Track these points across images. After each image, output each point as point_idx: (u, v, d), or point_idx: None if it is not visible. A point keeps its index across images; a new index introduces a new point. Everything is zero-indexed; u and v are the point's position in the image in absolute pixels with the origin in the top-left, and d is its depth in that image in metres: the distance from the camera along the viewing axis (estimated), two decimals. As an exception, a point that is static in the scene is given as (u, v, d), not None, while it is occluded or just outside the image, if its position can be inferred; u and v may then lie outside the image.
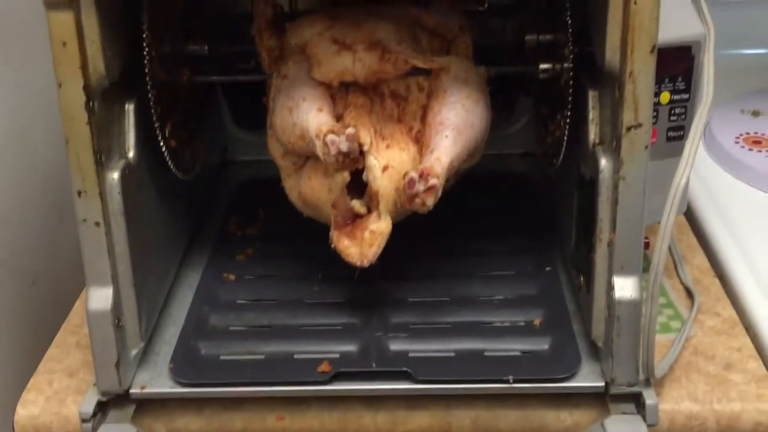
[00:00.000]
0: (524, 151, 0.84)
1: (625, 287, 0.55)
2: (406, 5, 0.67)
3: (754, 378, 0.61)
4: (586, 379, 0.58)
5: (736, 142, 0.85)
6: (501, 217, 0.75)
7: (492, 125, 0.64)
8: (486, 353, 0.61)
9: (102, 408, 0.59)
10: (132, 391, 0.60)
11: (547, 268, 0.69)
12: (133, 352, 0.61)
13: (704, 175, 0.82)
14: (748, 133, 0.86)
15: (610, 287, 0.55)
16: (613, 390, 0.57)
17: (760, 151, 0.83)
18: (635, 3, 0.50)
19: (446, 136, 0.59)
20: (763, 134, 0.85)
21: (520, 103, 0.82)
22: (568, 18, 0.58)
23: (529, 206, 0.77)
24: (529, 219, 0.75)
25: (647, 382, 0.57)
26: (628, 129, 0.52)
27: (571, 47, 0.59)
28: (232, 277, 0.70)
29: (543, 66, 0.65)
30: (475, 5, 0.73)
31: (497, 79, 0.66)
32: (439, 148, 0.59)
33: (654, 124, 0.60)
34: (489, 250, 0.72)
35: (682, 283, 0.70)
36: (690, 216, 0.78)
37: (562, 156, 0.63)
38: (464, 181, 0.66)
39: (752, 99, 0.91)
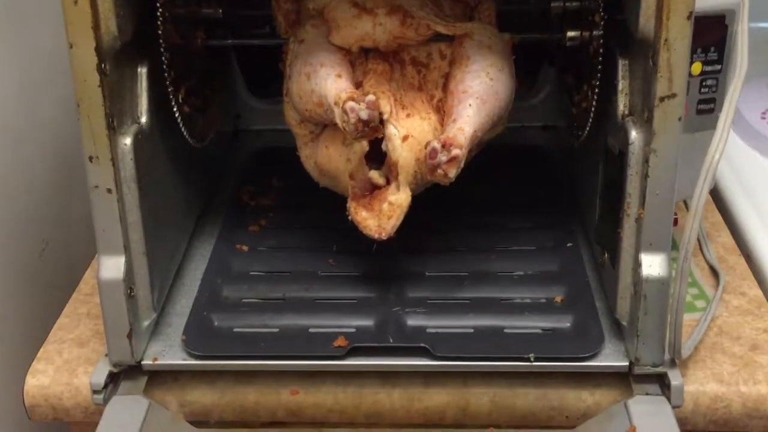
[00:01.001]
0: (545, 123, 0.82)
1: (653, 264, 0.53)
2: None
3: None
4: (609, 358, 0.57)
5: (763, 118, 0.82)
6: (521, 191, 0.74)
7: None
8: (506, 330, 0.59)
9: (113, 379, 0.58)
10: (144, 362, 0.59)
11: (569, 244, 0.67)
12: (146, 322, 0.59)
13: (729, 151, 0.79)
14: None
15: (638, 264, 0.54)
16: (637, 370, 0.56)
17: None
18: (673, -33, 0.47)
19: (470, 105, 0.57)
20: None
21: (542, 73, 0.80)
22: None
23: (550, 180, 0.75)
24: (550, 193, 0.73)
25: (672, 363, 0.56)
26: (662, 99, 0.50)
27: (602, 13, 0.56)
28: (245, 248, 0.69)
29: (571, 33, 0.62)
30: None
31: (519, 49, 0.64)
32: (462, 118, 0.57)
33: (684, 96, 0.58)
34: (509, 224, 0.70)
35: (706, 261, 0.68)
36: (714, 193, 0.76)
37: (588, 128, 0.60)
38: (484, 153, 0.64)
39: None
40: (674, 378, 0.55)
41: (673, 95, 0.50)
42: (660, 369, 0.55)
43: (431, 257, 0.66)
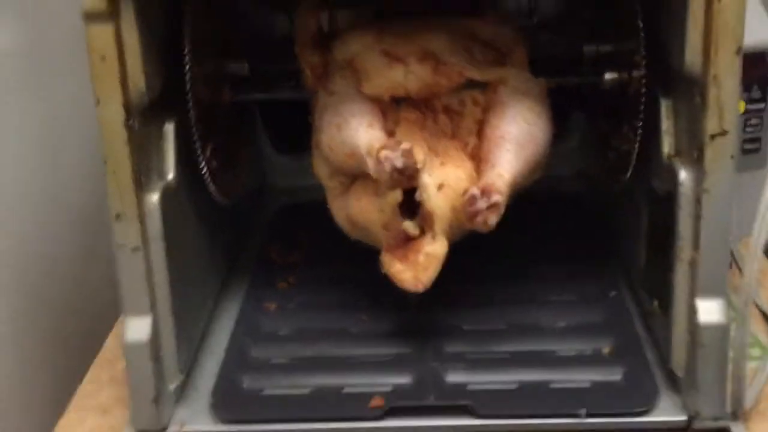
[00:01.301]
0: (578, 170, 0.80)
1: (710, 311, 0.50)
2: (458, 16, 0.64)
3: None
4: (666, 412, 0.53)
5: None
6: (558, 240, 0.71)
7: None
8: (552, 385, 0.56)
9: (139, 448, 0.55)
10: (171, 429, 0.56)
11: (612, 293, 0.64)
12: (172, 386, 0.57)
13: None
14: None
15: (693, 311, 0.51)
16: (697, 424, 0.52)
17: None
18: (719, 1, 0.46)
19: (508, 150, 0.56)
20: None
21: (573, 120, 0.79)
22: (639, 22, 0.55)
23: (586, 228, 0.73)
24: (587, 241, 0.71)
25: (734, 416, 0.52)
26: (713, 137, 0.48)
27: (643, 53, 0.55)
28: (273, 306, 0.67)
29: (609, 76, 0.61)
30: (524, 20, 0.70)
31: (548, 95, 0.63)
32: (500, 164, 0.55)
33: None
34: (547, 273, 0.67)
35: (758, 307, 0.65)
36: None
37: (630, 171, 0.58)
38: (517, 202, 0.62)
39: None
40: (739, 432, 0.52)
41: (725, 132, 0.48)
42: (723, 423, 0.52)
43: (469, 309, 0.64)
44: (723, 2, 0.46)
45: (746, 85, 0.57)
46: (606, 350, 0.59)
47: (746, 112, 0.58)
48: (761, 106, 0.58)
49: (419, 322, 0.63)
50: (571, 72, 0.65)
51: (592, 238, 0.71)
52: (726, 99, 0.47)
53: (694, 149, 0.50)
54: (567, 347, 0.60)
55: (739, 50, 0.47)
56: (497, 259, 0.68)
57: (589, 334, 0.61)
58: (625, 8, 0.58)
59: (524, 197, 0.63)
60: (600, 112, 0.69)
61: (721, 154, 0.48)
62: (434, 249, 0.57)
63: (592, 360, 0.58)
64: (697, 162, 0.49)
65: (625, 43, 0.59)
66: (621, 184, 0.61)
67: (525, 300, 0.64)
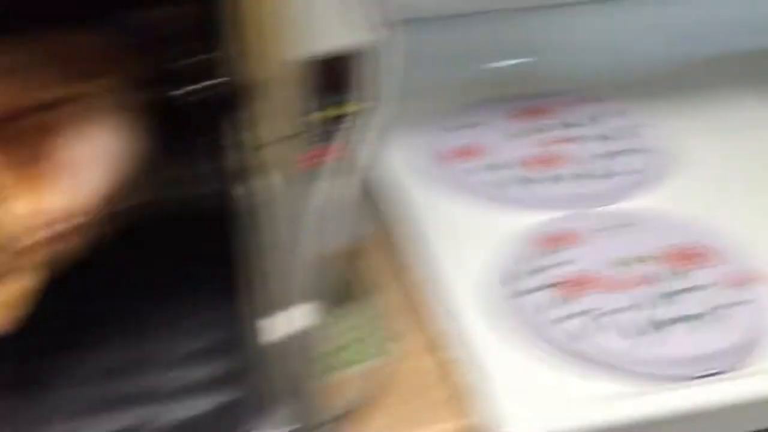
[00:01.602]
0: (206, 191, 0.77)
1: (287, 322, 0.50)
2: (54, 32, 0.59)
3: (454, 397, 0.58)
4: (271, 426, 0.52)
5: (438, 157, 0.82)
6: (183, 267, 0.67)
7: (169, 166, 0.57)
8: (161, 421, 0.53)
9: None
10: None
11: (237, 314, 0.62)
12: None
13: (402, 192, 0.79)
14: (451, 147, 0.83)
15: (273, 324, 0.50)
16: (298, 436, 0.52)
17: (463, 163, 0.81)
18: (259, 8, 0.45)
19: (87, 170, 0.53)
20: (466, 147, 0.83)
21: (192, 143, 0.76)
22: (215, 34, 0.54)
23: (213, 252, 0.69)
24: (214, 265, 0.68)
25: (335, 422, 0.52)
26: (277, 146, 0.48)
27: (204, 66, 0.54)
28: None
29: (179, 91, 0.59)
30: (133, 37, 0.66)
31: (168, 117, 0.59)
32: (78, 185, 0.52)
33: (315, 143, 0.56)
34: (166, 301, 0.63)
35: (370, 309, 0.66)
36: (389, 237, 0.75)
37: (213, 188, 0.57)
38: (138, 228, 0.58)
39: (456, 115, 0.88)
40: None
41: (283, 139, 0.48)
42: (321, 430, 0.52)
43: (73, 351, 0.58)
44: (264, 9, 0.45)
45: (332, 89, 0.57)
46: (223, 373, 0.57)
47: (330, 119, 0.58)
48: (352, 110, 0.58)
49: (15, 374, 0.56)
50: (163, 87, 0.62)
51: (220, 259, 0.68)
52: (281, 106, 0.47)
53: (263, 160, 0.49)
54: (183, 376, 0.56)
55: (293, 55, 0.46)
56: (110, 293, 0.62)
57: (204, 361, 0.58)
58: (212, 20, 0.56)
59: (150, 222, 0.59)
60: (196, 129, 0.67)
61: (280, 163, 0.48)
62: (17, 285, 0.51)
63: (201, 388, 0.55)
64: (265, 173, 0.49)
65: (202, 57, 0.58)
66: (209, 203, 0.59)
67: (137, 333, 0.60)
